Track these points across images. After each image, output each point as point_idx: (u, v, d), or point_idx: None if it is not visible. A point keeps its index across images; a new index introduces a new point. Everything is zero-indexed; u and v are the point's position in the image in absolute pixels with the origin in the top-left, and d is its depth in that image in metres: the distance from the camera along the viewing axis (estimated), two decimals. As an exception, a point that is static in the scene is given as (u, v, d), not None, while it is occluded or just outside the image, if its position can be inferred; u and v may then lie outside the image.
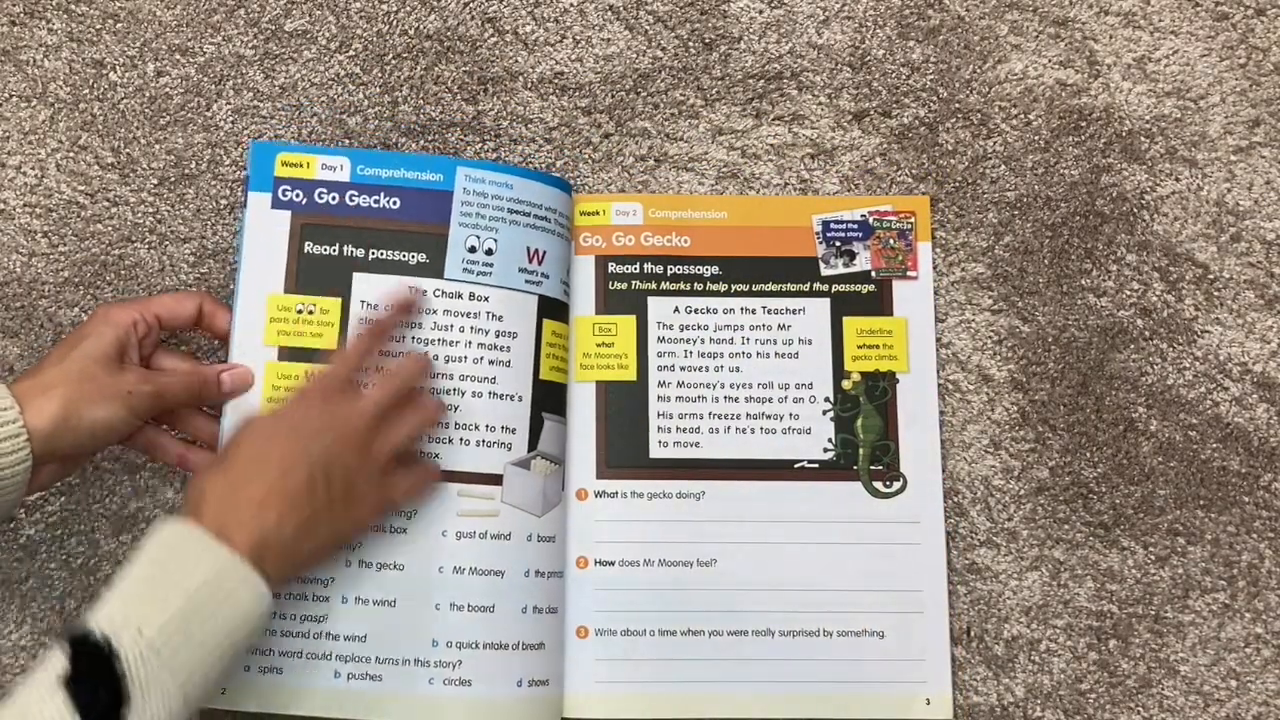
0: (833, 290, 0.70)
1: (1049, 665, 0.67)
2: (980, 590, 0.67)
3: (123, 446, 0.66)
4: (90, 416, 0.57)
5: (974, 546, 0.68)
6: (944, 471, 0.68)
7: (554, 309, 0.67)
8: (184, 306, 0.63)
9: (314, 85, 0.72)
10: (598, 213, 0.70)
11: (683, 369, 0.69)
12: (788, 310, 0.69)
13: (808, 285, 0.70)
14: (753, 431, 0.68)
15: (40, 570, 0.68)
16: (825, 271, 0.70)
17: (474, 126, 0.72)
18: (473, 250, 0.66)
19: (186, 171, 0.71)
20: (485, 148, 0.72)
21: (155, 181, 0.71)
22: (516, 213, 0.66)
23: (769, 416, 0.68)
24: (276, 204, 0.66)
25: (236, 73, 0.72)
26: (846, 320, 0.69)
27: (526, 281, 0.66)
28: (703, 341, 0.69)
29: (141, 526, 0.68)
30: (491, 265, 0.66)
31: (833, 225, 0.70)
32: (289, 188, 0.66)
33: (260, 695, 0.61)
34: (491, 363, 0.65)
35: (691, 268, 0.70)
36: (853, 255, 0.70)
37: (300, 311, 0.65)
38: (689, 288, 0.70)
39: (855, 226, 0.70)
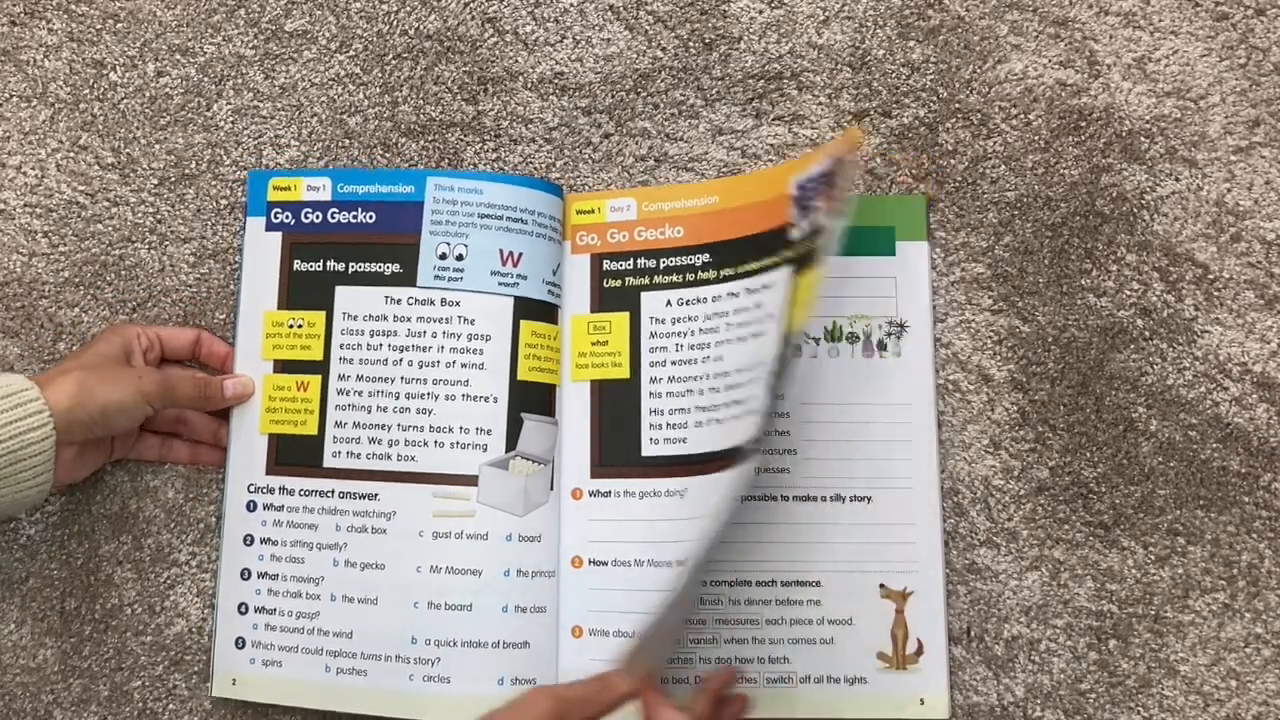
0: (797, 255, 0.63)
1: (1049, 665, 0.66)
2: (980, 590, 0.67)
3: (136, 459, 0.69)
4: (104, 395, 0.61)
5: (974, 546, 0.68)
6: (943, 471, 0.68)
7: (534, 310, 0.67)
8: (183, 334, 0.68)
9: (314, 85, 0.72)
10: (593, 211, 0.70)
11: (673, 364, 0.67)
12: (763, 287, 0.65)
13: (779, 256, 0.64)
14: (736, 420, 0.64)
15: (40, 570, 0.68)
16: (793, 236, 0.64)
17: (474, 126, 0.72)
18: (443, 257, 0.67)
19: (186, 171, 0.71)
20: (485, 148, 0.72)
21: (155, 181, 0.71)
22: (488, 217, 0.68)
23: (751, 404, 0.64)
24: (270, 226, 0.69)
25: (236, 73, 0.73)
26: (799, 278, 0.61)
27: (500, 284, 0.67)
28: (692, 334, 0.67)
29: (142, 526, 0.68)
30: (462, 270, 0.67)
31: (805, 185, 0.64)
32: (280, 210, 0.69)
33: (263, 687, 0.65)
34: (464, 366, 0.66)
35: (683, 259, 0.68)
36: (816, 211, 0.62)
37: (291, 326, 0.68)
38: (680, 279, 0.68)
39: (823, 180, 0.62)
